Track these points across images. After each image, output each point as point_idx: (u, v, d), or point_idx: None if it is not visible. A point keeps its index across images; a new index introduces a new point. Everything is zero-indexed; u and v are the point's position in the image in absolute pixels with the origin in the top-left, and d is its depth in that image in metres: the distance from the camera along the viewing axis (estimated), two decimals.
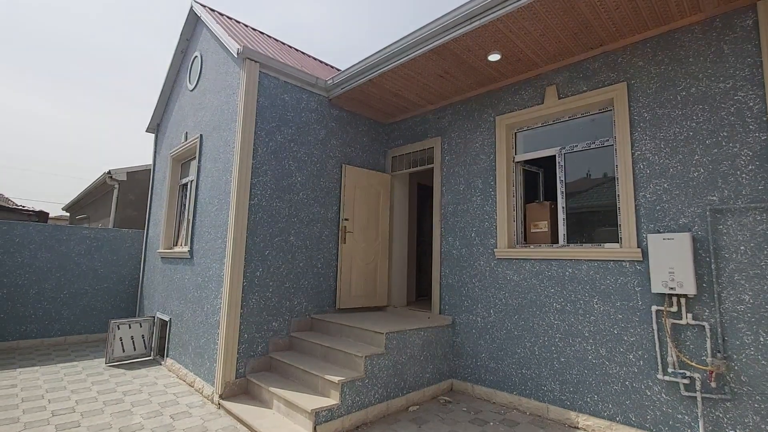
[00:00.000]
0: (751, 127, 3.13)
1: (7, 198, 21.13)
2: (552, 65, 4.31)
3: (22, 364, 5.38)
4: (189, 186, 6.02)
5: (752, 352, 2.97)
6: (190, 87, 6.12)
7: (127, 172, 8.35)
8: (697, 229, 3.29)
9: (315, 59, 7.58)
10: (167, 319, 5.61)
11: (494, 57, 4.18)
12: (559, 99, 4.24)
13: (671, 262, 3.25)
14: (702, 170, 3.32)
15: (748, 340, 3.00)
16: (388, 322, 4.61)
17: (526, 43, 3.93)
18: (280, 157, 4.83)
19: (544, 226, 4.45)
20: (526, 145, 4.68)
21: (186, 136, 5.97)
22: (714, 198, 3.24)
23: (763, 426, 2.89)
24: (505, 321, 4.38)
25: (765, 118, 3.07)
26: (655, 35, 3.67)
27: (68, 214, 16.34)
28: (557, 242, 4.34)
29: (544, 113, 4.36)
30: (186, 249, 5.35)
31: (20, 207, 11.76)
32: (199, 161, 5.44)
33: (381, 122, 6.19)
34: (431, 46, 4.02)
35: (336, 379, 3.56)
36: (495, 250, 4.54)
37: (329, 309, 5.21)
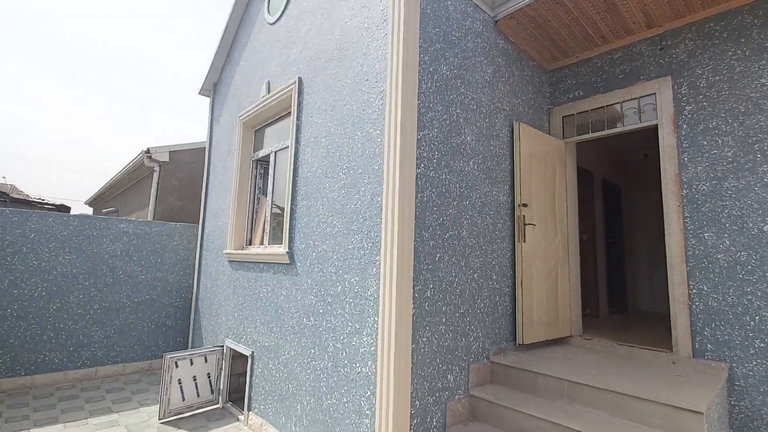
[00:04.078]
0: None
1: (26, 195, 19.82)
2: None
3: (38, 419, 3.64)
4: (274, 159, 4.21)
5: None
6: (271, 19, 4.31)
7: (170, 152, 6.61)
8: None
9: None
10: (248, 353, 3.80)
11: None
12: None
13: None
14: None
15: None
16: (636, 376, 2.71)
17: None
18: (446, 100, 2.97)
19: None
20: None
21: (268, 87, 4.15)
22: None
23: None
24: None
25: None
26: None
27: (91, 209, 14.83)
28: None
29: None
30: (281, 250, 3.53)
31: (38, 200, 10.18)
32: (298, 118, 3.61)
33: (544, 68, 4.28)
34: None
35: None
36: None
37: (507, 345, 3.34)
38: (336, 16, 3.29)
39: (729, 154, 3.12)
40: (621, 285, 6.49)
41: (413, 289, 2.52)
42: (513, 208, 3.54)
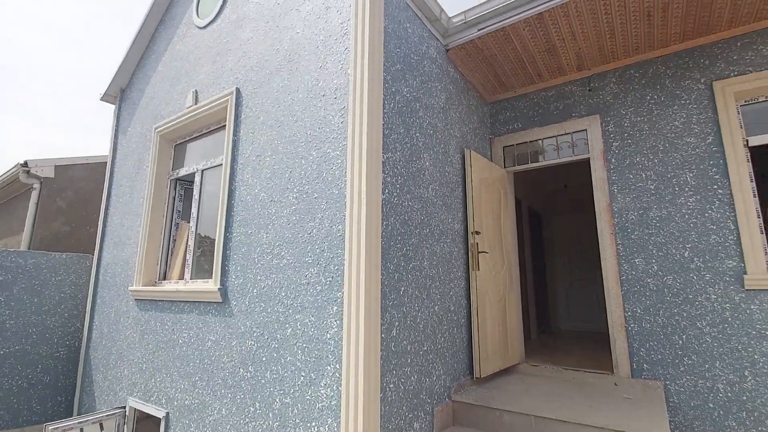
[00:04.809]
0: None
1: None
2: None
3: None
4: (200, 178, 3.64)
5: None
6: (201, 23, 3.83)
7: (56, 166, 5.46)
8: None
9: None
10: (161, 414, 3.09)
11: None
12: None
13: None
14: None
15: None
16: (594, 404, 2.73)
17: None
18: (407, 122, 2.82)
19: None
20: (755, 124, 3.25)
21: (196, 97, 3.63)
22: None
23: None
24: None
25: None
26: None
27: None
28: None
29: None
30: (211, 286, 2.98)
31: None
32: (236, 133, 3.17)
33: (485, 99, 4.43)
34: None
35: None
36: (745, 277, 2.95)
37: (465, 379, 3.17)
38: (285, 25, 2.99)
39: (652, 187, 3.45)
40: (544, 306, 6.89)
41: (381, 327, 2.24)
42: (466, 236, 3.48)
